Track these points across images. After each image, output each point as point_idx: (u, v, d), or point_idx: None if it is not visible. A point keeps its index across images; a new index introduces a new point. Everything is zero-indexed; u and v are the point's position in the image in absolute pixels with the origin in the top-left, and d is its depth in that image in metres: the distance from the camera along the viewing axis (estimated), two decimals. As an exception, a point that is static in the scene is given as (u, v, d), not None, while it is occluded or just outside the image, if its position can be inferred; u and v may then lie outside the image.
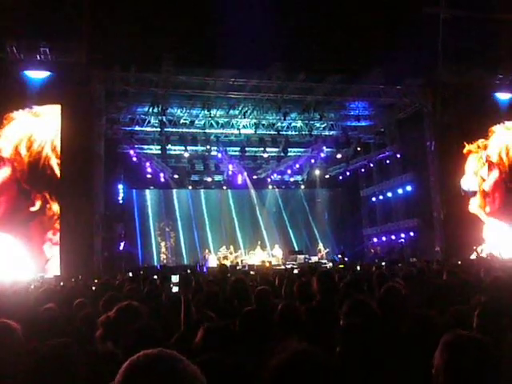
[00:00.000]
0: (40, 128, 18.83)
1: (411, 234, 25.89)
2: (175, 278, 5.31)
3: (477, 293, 4.53)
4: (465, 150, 22.75)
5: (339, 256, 24.01)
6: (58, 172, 18.67)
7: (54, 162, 18.68)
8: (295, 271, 12.47)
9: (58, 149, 18.73)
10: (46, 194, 18.43)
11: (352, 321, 3.04)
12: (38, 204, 18.31)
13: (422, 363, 2.49)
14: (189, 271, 15.17)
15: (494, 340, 3.00)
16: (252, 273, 14.91)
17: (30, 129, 18.71)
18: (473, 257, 19.42)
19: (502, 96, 23.19)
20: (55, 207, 18.44)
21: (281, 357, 1.89)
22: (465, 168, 22.78)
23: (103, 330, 3.94)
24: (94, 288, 9.43)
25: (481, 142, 22.97)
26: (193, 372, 1.45)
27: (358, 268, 12.35)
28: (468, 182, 22.75)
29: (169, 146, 24.59)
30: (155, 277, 12.14)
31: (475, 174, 22.85)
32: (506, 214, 22.53)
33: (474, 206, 22.60)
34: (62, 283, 12.55)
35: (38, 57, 18.50)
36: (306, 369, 1.83)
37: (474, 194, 22.69)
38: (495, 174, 23.06)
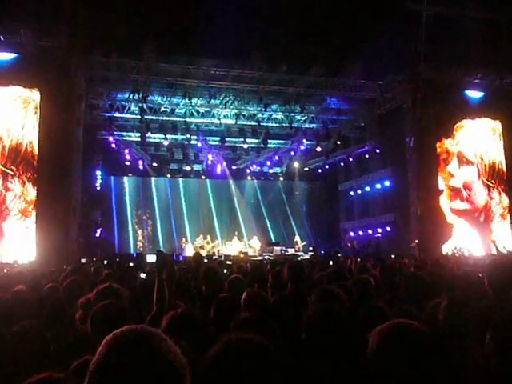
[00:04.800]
0: (15, 111, 18.58)
1: (388, 228, 26.08)
2: (151, 258, 5.36)
3: (443, 288, 4.61)
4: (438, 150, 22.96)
5: (310, 249, 24.16)
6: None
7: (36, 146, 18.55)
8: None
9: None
10: (25, 178, 18.30)
11: (319, 306, 3.06)
12: (18, 190, 18.20)
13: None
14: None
15: (460, 333, 3.08)
16: (229, 263, 14.97)
17: (4, 112, 18.49)
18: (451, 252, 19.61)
19: (474, 94, 23.41)
20: (32, 192, 18.29)
21: (215, 347, 1.91)
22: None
23: (83, 312, 3.95)
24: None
25: (448, 140, 23.16)
26: (175, 351, 1.46)
27: (331, 263, 12.40)
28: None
29: (148, 134, 24.45)
30: (131, 264, 12.12)
31: (442, 170, 23.03)
32: (475, 211, 22.86)
33: (442, 201, 22.83)
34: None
35: (19, 39, 18.21)
36: (237, 358, 1.84)
37: (441, 191, 22.93)
38: (471, 170, 23.27)
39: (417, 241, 21.34)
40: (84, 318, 3.74)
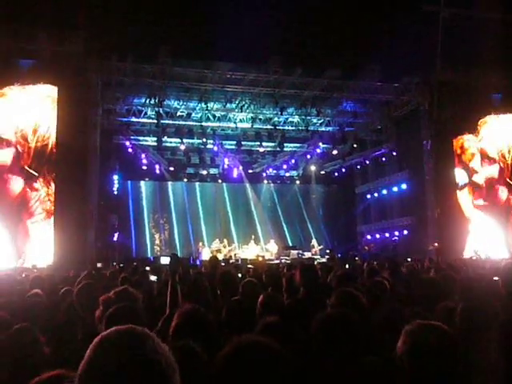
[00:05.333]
0: (42, 112, 18.78)
1: (405, 232, 25.93)
2: (165, 260, 5.40)
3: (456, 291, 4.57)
4: (455, 144, 22.76)
5: (327, 252, 24.10)
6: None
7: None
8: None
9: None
10: (50, 178, 18.59)
11: (333, 312, 3.04)
12: (43, 190, 18.45)
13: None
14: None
15: (475, 336, 3.04)
16: (250, 266, 14.98)
17: (32, 112, 18.67)
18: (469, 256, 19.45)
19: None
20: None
21: (227, 348, 1.90)
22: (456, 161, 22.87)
23: (103, 309, 3.98)
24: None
25: (470, 136, 22.98)
26: (162, 349, 1.46)
27: (347, 266, 12.36)
28: (458, 175, 22.81)
29: (165, 138, 24.59)
30: (147, 268, 12.14)
31: (465, 165, 22.86)
32: (497, 209, 22.62)
33: (462, 197, 22.61)
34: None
35: (35, 45, 18.38)
36: (249, 360, 1.84)
37: (463, 186, 22.73)
38: (494, 168, 23.04)
39: (436, 244, 21.17)
40: (102, 318, 3.77)
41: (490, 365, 2.68)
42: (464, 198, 22.61)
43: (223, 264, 14.83)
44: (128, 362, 1.38)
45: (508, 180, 23.03)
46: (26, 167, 18.31)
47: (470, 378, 2.57)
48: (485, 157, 23.05)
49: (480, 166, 22.96)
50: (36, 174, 18.38)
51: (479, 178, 22.88)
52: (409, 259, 16.19)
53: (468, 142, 22.95)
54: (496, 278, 5.77)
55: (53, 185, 18.51)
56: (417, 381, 2.26)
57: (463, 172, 22.82)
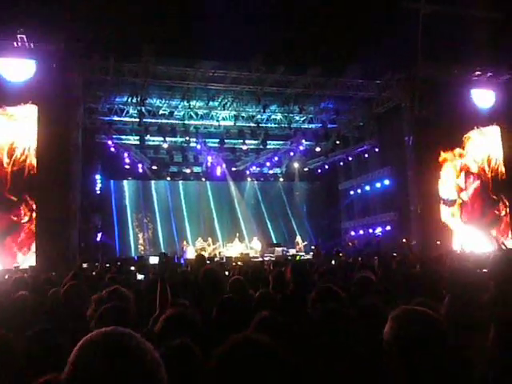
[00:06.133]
0: (20, 133, 18.31)
1: (388, 227, 26.10)
2: (154, 260, 5.41)
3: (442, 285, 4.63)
4: (440, 159, 22.93)
5: (312, 248, 24.21)
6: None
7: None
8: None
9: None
10: (30, 201, 18.03)
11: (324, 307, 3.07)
12: (26, 216, 18.00)
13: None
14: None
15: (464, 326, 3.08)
16: (234, 264, 15.02)
17: (9, 134, 18.24)
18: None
19: (480, 103, 23.43)
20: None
21: (223, 346, 1.91)
22: (440, 175, 23.01)
23: (95, 307, 3.98)
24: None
25: (457, 151, 23.16)
26: (146, 349, 1.47)
27: (333, 262, 12.44)
28: (446, 191, 22.99)
29: (147, 137, 24.46)
30: (132, 268, 12.12)
31: (452, 182, 23.06)
32: (483, 223, 22.80)
33: (448, 214, 22.81)
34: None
35: (15, 44, 18.18)
36: (245, 357, 1.85)
37: (452, 203, 22.93)
38: (475, 183, 23.26)
39: (405, 239, 21.30)
40: (93, 315, 3.78)
41: (481, 356, 2.72)
42: (450, 213, 22.80)
43: (208, 262, 14.83)
44: (113, 362, 1.40)
45: (491, 194, 23.18)
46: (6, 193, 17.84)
47: (457, 362, 2.61)
48: (468, 172, 23.26)
49: (464, 182, 23.17)
50: (15, 199, 17.87)
51: (464, 195, 23.10)
52: (394, 254, 16.31)
53: (452, 157, 23.12)
54: (479, 270, 5.87)
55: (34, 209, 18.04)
56: (406, 365, 2.29)
57: (451, 189, 23.00)
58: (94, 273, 9.74)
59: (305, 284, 4.92)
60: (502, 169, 23.30)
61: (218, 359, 1.89)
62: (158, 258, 4.49)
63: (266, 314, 3.17)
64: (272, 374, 1.83)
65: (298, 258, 22.08)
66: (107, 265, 15.44)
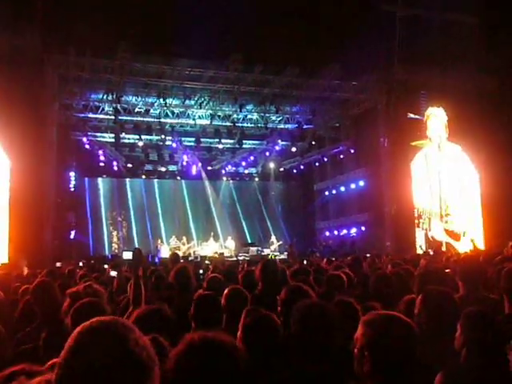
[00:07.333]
0: None
1: (362, 228, 26.29)
2: (128, 255, 5.40)
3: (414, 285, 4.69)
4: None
5: (286, 247, 24.28)
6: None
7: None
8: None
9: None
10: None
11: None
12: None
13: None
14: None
15: (434, 326, 3.13)
16: (207, 262, 14.99)
17: None
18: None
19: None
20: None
21: (179, 346, 1.92)
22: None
23: (70, 302, 3.95)
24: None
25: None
26: (144, 342, 1.47)
27: (305, 262, 12.49)
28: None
29: (123, 135, 24.23)
30: (105, 266, 12.00)
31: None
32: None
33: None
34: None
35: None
36: (200, 357, 1.86)
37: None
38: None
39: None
40: (68, 311, 3.75)
41: (451, 354, 2.76)
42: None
43: (182, 261, 14.79)
44: (112, 351, 1.39)
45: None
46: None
47: (430, 366, 2.65)
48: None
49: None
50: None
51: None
52: (368, 255, 16.45)
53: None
54: (448, 271, 5.97)
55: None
56: (379, 370, 2.30)
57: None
58: (67, 270, 9.62)
59: (275, 283, 4.92)
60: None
61: (174, 360, 1.88)
62: (131, 253, 4.46)
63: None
64: (226, 373, 1.84)
65: (270, 257, 22.15)
66: (80, 263, 15.31)
